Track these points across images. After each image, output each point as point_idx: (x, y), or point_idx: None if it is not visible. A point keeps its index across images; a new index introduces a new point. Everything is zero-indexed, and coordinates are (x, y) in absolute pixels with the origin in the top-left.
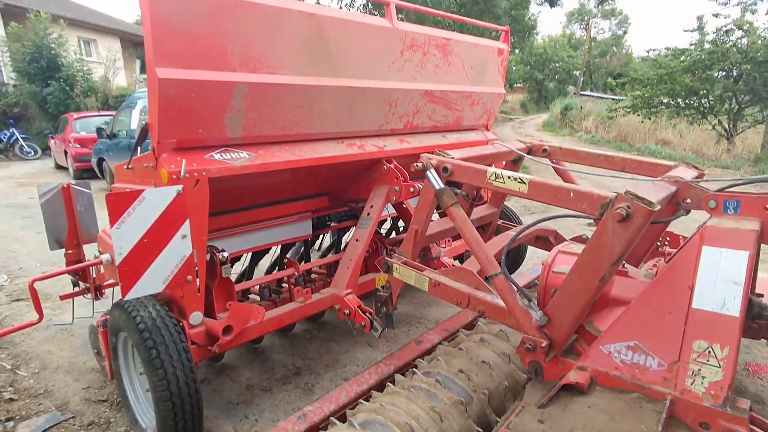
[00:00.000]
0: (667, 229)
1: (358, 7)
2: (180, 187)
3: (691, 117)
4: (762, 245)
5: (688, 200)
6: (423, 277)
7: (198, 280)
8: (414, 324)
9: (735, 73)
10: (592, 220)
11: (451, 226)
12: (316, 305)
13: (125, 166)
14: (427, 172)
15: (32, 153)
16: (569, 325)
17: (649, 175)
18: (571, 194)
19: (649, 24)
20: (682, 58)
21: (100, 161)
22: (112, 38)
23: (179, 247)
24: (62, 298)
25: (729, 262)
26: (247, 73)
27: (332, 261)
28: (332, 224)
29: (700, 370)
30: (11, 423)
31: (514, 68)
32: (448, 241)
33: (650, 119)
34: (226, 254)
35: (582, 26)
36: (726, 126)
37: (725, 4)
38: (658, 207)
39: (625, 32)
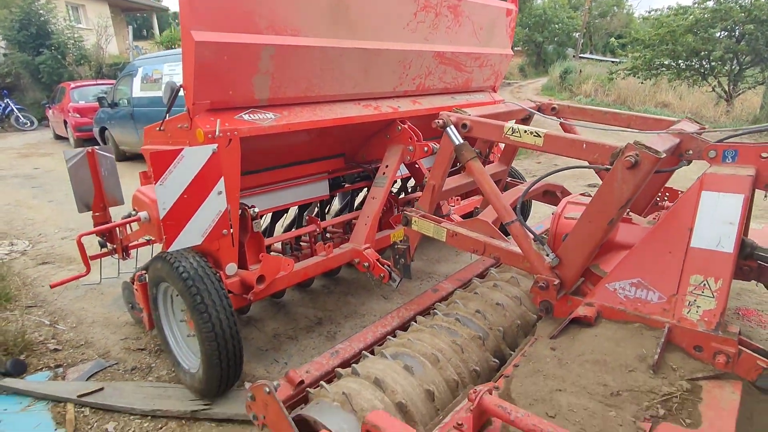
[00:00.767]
0: (667, 185)
1: None
2: (215, 146)
3: (692, 79)
4: (757, 199)
5: (690, 151)
6: (441, 229)
7: (232, 234)
8: (425, 279)
9: (737, 33)
10: (591, 183)
11: (464, 183)
12: (337, 259)
13: (157, 128)
14: (447, 128)
15: (29, 124)
16: (579, 265)
17: (654, 129)
18: (584, 145)
19: None
20: (685, 16)
21: (102, 130)
22: (101, 3)
23: (216, 203)
24: (92, 258)
25: (725, 204)
26: (274, 36)
27: (348, 219)
28: (346, 185)
29: (695, 300)
30: (60, 369)
31: None
32: (457, 200)
33: (650, 80)
34: (256, 210)
35: None
36: (726, 88)
37: None
38: (664, 155)
39: None
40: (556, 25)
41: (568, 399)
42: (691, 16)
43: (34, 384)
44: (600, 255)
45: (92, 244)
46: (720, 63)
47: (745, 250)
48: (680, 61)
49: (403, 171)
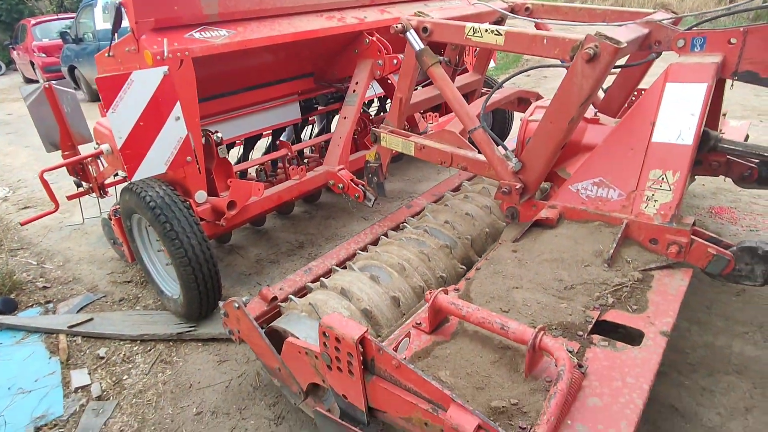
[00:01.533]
0: (641, 87)
1: None
2: (166, 68)
3: None
4: (746, 97)
5: (659, 42)
6: (409, 143)
7: (197, 161)
8: (406, 199)
9: None
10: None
11: (433, 95)
12: (311, 182)
13: (106, 54)
14: (407, 33)
15: None
16: (542, 168)
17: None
18: (545, 41)
19: None
20: None
21: (72, 69)
22: None
23: (174, 129)
24: (69, 198)
25: (688, 95)
26: None
27: (323, 141)
28: (320, 107)
29: (653, 195)
30: (51, 305)
31: None
32: (435, 116)
33: None
34: (220, 135)
35: None
36: None
37: None
38: (624, 44)
39: None
40: None
41: (523, 295)
42: None
43: (26, 319)
44: (567, 158)
45: (69, 189)
46: None
47: (709, 143)
48: None
49: (379, 89)
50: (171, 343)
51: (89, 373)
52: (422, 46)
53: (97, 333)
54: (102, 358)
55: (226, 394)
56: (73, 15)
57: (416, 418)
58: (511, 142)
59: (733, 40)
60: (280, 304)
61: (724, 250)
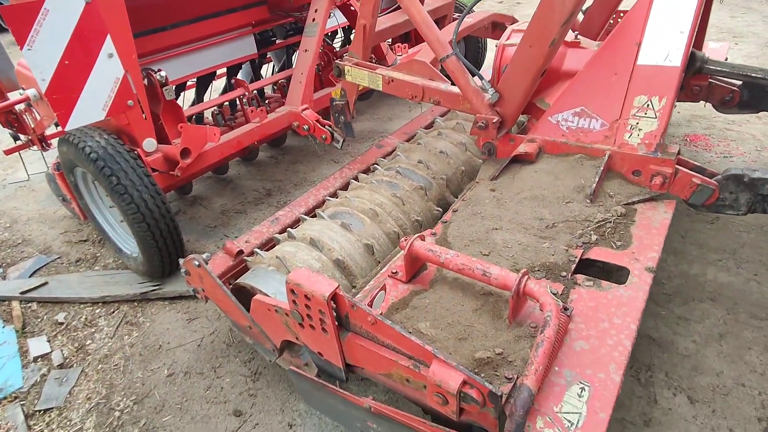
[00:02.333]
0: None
1: None
2: None
3: None
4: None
5: None
6: (376, 76)
7: (141, 105)
8: (377, 139)
9: None
10: None
11: (401, 21)
12: (273, 125)
13: None
14: None
15: None
16: (520, 99)
17: None
18: None
19: None
20: None
21: None
22: None
23: (108, 69)
24: (7, 152)
25: (677, 11)
26: None
27: (284, 78)
28: (278, 41)
29: (637, 123)
30: (0, 269)
31: None
32: (405, 47)
33: None
34: (164, 74)
35: None
36: None
37: None
38: None
39: None
40: None
41: (504, 236)
42: None
43: None
44: (545, 87)
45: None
46: None
47: (695, 65)
48: None
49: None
50: (136, 304)
51: (48, 341)
52: None
53: (54, 297)
54: (61, 323)
55: (198, 353)
56: None
57: (396, 374)
58: (485, 72)
59: None
60: (246, 258)
61: (709, 180)
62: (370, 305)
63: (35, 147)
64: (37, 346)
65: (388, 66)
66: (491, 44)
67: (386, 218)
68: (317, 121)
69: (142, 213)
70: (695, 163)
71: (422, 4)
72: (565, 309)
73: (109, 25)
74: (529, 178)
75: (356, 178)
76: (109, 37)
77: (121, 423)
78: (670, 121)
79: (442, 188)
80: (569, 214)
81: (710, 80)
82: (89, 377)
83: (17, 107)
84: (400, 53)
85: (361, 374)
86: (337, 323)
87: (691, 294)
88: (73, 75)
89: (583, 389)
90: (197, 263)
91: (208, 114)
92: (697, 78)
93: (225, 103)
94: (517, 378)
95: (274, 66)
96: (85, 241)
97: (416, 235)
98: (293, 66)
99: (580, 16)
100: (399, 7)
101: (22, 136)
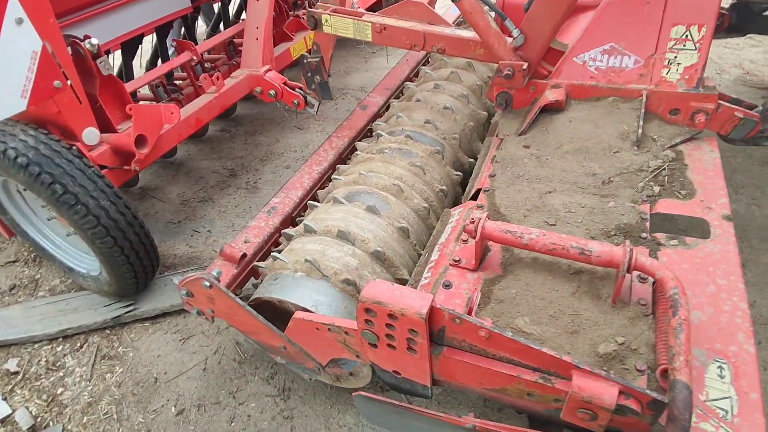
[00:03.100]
0: None
1: None
2: None
3: None
4: None
5: None
6: (363, 24)
7: (72, 85)
8: (339, 97)
9: None
10: None
11: None
12: (232, 93)
13: None
14: None
15: None
16: (547, 39)
17: None
18: None
19: None
20: None
21: None
22: None
23: (21, 40)
24: None
25: None
26: None
27: (232, 36)
28: None
29: (675, 57)
30: None
31: None
32: None
33: None
34: (95, 42)
35: None
36: None
37: None
38: None
39: None
40: None
41: (562, 200)
42: None
43: None
44: None
45: None
46: None
47: None
48: None
49: None
50: (108, 332)
51: (5, 399)
52: None
53: None
54: (15, 373)
55: (206, 379)
56: None
57: (514, 389)
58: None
59: None
60: (259, 265)
61: (751, 112)
62: (470, 312)
63: None
64: None
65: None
66: None
67: (411, 193)
68: (285, 83)
69: (103, 225)
70: (731, 95)
71: None
72: None
73: None
74: (564, 128)
75: (352, 147)
76: None
77: None
78: None
79: (455, 149)
80: (620, 165)
81: None
82: None
83: None
84: None
85: (446, 386)
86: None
87: None
88: None
89: (721, 368)
90: (208, 284)
91: (144, 89)
92: None
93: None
94: (656, 368)
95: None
96: (14, 262)
97: (481, 215)
98: (231, 21)
99: None
100: None
101: None
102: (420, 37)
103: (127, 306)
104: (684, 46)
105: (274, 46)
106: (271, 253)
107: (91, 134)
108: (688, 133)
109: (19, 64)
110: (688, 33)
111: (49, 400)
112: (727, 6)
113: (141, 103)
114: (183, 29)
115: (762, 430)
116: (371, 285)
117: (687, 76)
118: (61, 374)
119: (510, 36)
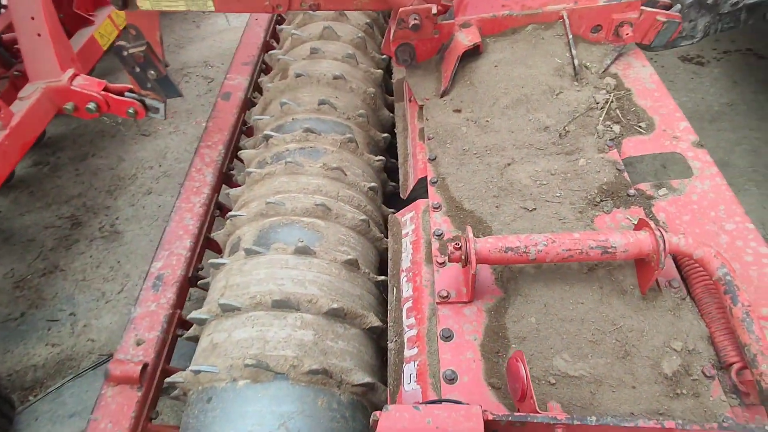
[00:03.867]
0: None
1: None
2: None
3: None
4: None
5: None
6: None
7: None
8: (180, 79)
9: None
10: None
11: None
12: (30, 123)
13: None
14: None
15: None
16: None
17: None
18: None
19: None
20: None
21: None
22: None
23: None
24: None
25: None
26: None
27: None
28: None
29: None
30: None
31: None
32: None
33: None
34: None
35: None
36: None
37: None
38: None
39: None
40: None
41: (526, 170)
42: None
43: None
44: None
45: None
46: None
47: None
48: None
49: None
50: None
51: None
52: None
53: None
54: None
55: None
56: None
57: None
58: None
59: None
60: (175, 380)
61: (672, 13)
62: (524, 397)
63: None
64: None
65: None
66: None
67: (340, 207)
68: (105, 89)
69: None
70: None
71: None
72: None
73: None
74: (492, 77)
75: (231, 157)
76: None
77: None
78: None
79: (365, 128)
80: (568, 108)
81: None
82: None
83: None
84: None
85: None
86: None
87: None
88: None
89: None
90: None
91: None
92: None
93: None
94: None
95: None
96: None
97: (463, 236)
98: None
99: None
100: None
101: None
102: None
103: None
104: None
105: (69, 37)
106: (190, 367)
107: None
108: (615, 50)
109: None
110: None
111: None
112: None
113: None
114: None
115: None
116: (386, 419)
117: None
118: None
119: None
